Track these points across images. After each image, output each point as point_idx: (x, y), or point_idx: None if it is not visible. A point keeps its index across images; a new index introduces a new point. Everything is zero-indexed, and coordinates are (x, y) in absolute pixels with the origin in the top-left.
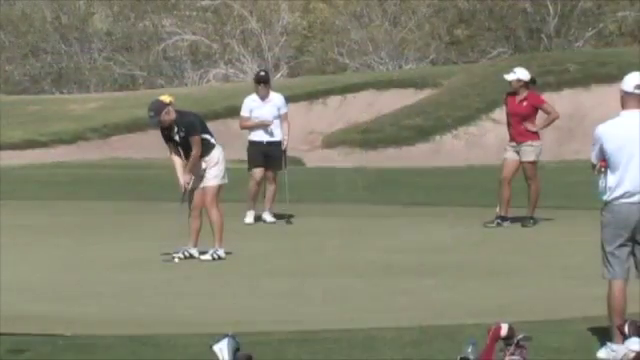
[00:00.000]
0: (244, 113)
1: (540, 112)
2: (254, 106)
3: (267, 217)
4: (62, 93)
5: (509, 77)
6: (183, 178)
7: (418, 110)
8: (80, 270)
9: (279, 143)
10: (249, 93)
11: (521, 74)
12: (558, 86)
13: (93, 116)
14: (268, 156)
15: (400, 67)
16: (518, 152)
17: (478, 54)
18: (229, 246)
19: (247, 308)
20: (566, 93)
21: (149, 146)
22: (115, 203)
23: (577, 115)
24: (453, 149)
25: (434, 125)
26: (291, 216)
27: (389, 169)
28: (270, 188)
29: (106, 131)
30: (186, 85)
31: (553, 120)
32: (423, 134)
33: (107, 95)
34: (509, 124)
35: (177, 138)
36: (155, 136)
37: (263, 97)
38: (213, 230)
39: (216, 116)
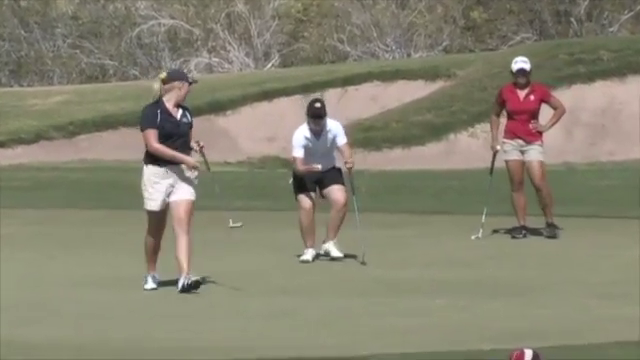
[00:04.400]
0: (299, 154)
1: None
2: (307, 143)
3: (333, 250)
4: (21, 86)
5: (520, 66)
6: (189, 159)
7: (429, 105)
8: (42, 288)
9: (333, 168)
10: (235, 85)
11: (529, 63)
12: (589, 77)
13: (57, 112)
14: (321, 179)
15: (408, 55)
16: (522, 152)
17: (498, 40)
18: (214, 261)
19: (236, 331)
20: (598, 85)
21: (122, 146)
22: (83, 212)
23: (611, 110)
24: (469, 149)
25: (447, 122)
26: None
27: (395, 172)
28: (336, 214)
29: (72, 129)
30: None
31: (561, 116)
32: (435, 132)
33: (73, 88)
34: (510, 120)
35: (181, 123)
36: (129, 135)
37: (318, 132)
38: (181, 257)
39: (198, 112)
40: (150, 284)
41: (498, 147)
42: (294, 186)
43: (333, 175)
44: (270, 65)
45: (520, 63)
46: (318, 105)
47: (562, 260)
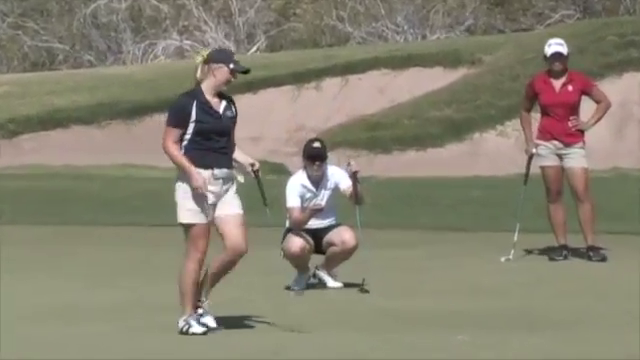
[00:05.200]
0: (294, 203)
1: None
2: (304, 193)
3: (329, 280)
4: None
5: (555, 49)
6: (202, 182)
7: (449, 97)
8: None
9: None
10: None
11: (565, 47)
12: None
13: None
14: (319, 232)
15: (423, 37)
16: (560, 157)
17: (533, 19)
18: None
19: None
20: None
21: (74, 148)
22: (26, 229)
23: None
24: (497, 151)
25: (471, 118)
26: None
27: (407, 179)
28: (340, 253)
29: (13, 127)
30: (124, 63)
31: (606, 111)
32: (455, 131)
33: (14, 77)
34: (545, 116)
35: (224, 117)
36: (82, 134)
37: (318, 180)
38: (207, 282)
39: (167, 105)
40: (196, 327)
41: (534, 150)
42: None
43: (335, 226)
44: (255, 49)
45: (555, 46)
46: (317, 145)
47: (612, 287)
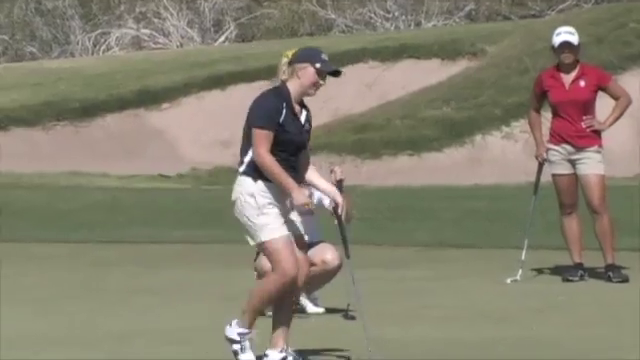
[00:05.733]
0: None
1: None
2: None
3: (308, 305)
4: None
5: (564, 38)
6: (302, 194)
7: (447, 94)
8: None
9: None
10: (174, 67)
11: (576, 36)
12: None
13: None
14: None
15: (418, 25)
16: (573, 163)
17: (543, 4)
18: (147, 314)
19: None
20: None
21: (14, 153)
22: None
23: None
24: (503, 156)
25: (473, 118)
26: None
27: (400, 188)
28: (324, 274)
29: None
30: (72, 55)
31: (626, 108)
32: (455, 133)
33: None
34: (556, 117)
35: (303, 130)
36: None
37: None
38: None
39: (122, 104)
40: (248, 354)
41: (545, 155)
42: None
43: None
44: (223, 39)
45: (564, 35)
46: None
47: (635, 312)
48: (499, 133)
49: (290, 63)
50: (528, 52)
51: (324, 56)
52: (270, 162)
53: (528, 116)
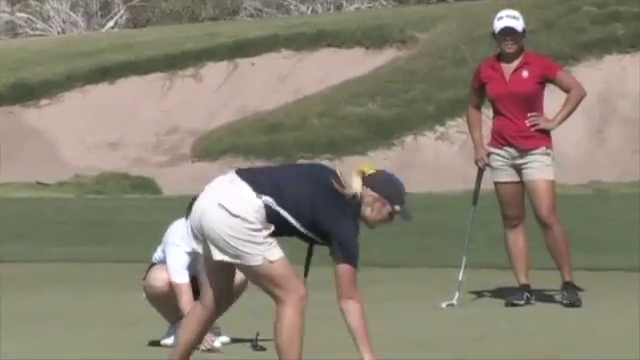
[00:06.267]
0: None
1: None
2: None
3: (215, 340)
4: None
5: (506, 23)
6: None
7: (373, 88)
8: None
9: None
10: (54, 57)
11: (520, 21)
12: (632, 43)
13: None
14: None
15: (338, 8)
16: (518, 168)
17: None
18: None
19: None
20: None
21: None
22: None
23: None
24: (437, 160)
25: (403, 116)
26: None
27: None
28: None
29: None
30: None
31: (578, 102)
32: (382, 133)
33: None
34: (496, 115)
35: None
36: None
37: None
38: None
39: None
40: None
41: (486, 159)
42: None
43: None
44: (112, 24)
45: (507, 20)
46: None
47: (588, 340)
48: (432, 133)
49: (364, 184)
50: (465, 40)
51: (405, 197)
52: None
53: (467, 114)
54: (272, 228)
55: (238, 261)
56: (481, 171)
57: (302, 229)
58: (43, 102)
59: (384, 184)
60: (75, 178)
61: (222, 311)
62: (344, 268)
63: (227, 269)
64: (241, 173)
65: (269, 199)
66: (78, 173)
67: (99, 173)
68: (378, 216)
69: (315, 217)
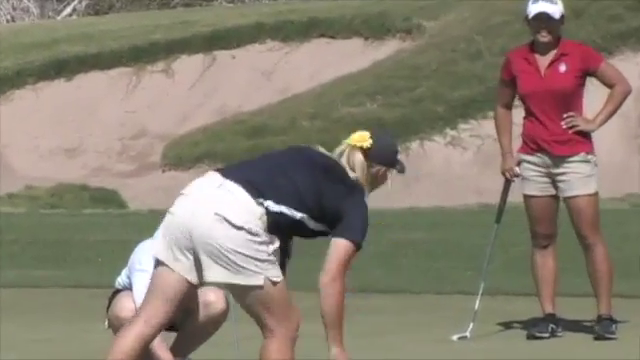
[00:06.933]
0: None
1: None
2: None
3: None
4: None
5: (541, 9)
6: None
7: (373, 86)
8: None
9: None
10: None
11: (559, 5)
12: None
13: None
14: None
15: None
16: (553, 179)
17: None
18: None
19: None
20: None
21: None
22: None
23: None
24: (448, 169)
25: (407, 118)
26: None
27: None
28: (207, 325)
29: None
30: None
31: (623, 100)
32: None
33: None
34: (528, 115)
35: None
36: None
37: None
38: None
39: None
40: None
41: (517, 169)
42: None
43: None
44: (69, 11)
45: (542, 3)
46: None
47: None
48: (442, 139)
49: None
50: (481, 29)
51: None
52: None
53: (494, 114)
54: (277, 243)
55: (235, 281)
56: (508, 183)
57: (311, 223)
58: None
59: (385, 152)
60: (26, 190)
61: (193, 344)
62: (344, 244)
63: (190, 289)
64: (227, 174)
65: (270, 202)
66: (30, 184)
67: (54, 184)
68: (381, 182)
69: (323, 204)
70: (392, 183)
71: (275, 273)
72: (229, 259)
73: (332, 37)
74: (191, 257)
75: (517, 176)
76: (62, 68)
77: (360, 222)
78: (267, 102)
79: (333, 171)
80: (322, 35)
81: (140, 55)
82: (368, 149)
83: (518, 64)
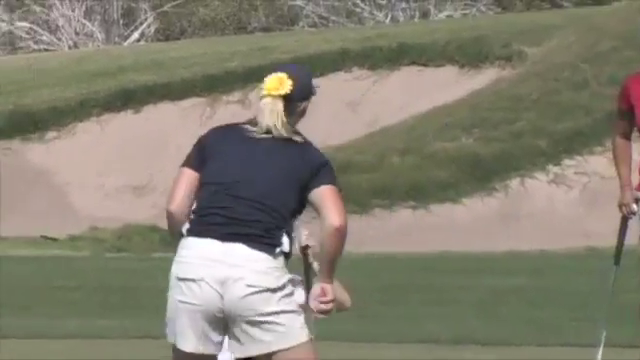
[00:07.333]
0: None
1: None
2: None
3: None
4: None
5: None
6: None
7: (467, 118)
8: None
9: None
10: (66, 76)
11: None
12: None
13: None
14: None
15: (424, 16)
16: None
17: None
18: None
19: None
20: None
21: None
22: None
23: None
24: (552, 210)
25: (506, 153)
26: None
27: (398, 258)
28: None
29: None
30: None
31: None
32: (479, 175)
33: None
34: None
35: None
36: None
37: None
38: None
39: None
40: None
41: (634, 206)
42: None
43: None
44: (137, 36)
45: None
46: None
47: None
48: (545, 176)
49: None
50: (587, 56)
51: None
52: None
53: (612, 144)
54: (303, 291)
55: (277, 347)
56: (625, 220)
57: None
58: (50, 135)
59: (307, 84)
60: (90, 231)
61: None
62: (330, 188)
63: None
64: (224, 226)
65: (283, 240)
66: (94, 225)
67: (121, 225)
68: (304, 115)
69: (303, 194)
70: (485, 225)
71: (309, 327)
72: (269, 323)
73: (424, 65)
74: (224, 335)
75: (634, 213)
76: (129, 99)
77: (329, 170)
78: (353, 136)
79: (288, 144)
80: (413, 62)
81: (215, 84)
82: (291, 92)
83: (636, 91)
